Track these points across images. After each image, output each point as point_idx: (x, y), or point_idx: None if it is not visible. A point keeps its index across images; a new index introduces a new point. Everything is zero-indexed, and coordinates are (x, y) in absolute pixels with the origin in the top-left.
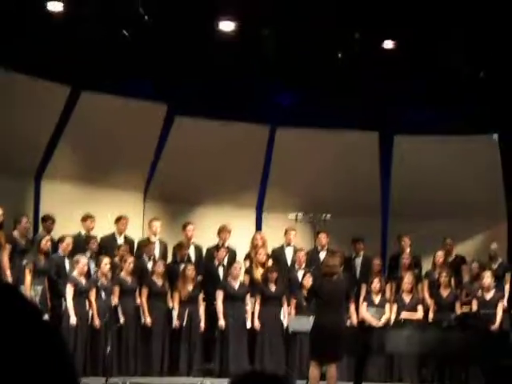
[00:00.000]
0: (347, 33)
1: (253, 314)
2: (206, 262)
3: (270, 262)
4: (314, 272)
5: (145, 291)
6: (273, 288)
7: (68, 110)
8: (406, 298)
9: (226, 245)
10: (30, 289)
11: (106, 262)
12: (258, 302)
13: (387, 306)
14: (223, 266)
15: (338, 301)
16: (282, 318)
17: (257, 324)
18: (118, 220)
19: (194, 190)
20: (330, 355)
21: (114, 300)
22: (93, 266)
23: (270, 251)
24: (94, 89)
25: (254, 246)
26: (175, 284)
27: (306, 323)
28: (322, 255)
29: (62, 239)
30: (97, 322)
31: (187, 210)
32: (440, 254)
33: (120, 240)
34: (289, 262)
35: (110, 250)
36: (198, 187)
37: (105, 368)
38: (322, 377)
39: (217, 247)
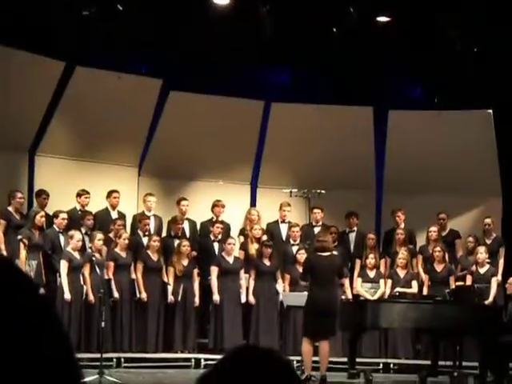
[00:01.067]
0: (342, 7)
1: (247, 289)
2: (200, 237)
3: (265, 238)
4: (308, 247)
5: (140, 266)
6: (267, 263)
7: (62, 85)
8: (401, 273)
9: (220, 220)
10: (25, 264)
11: (99, 237)
12: (253, 277)
13: (382, 281)
14: (218, 241)
15: (331, 276)
16: (276, 293)
17: (252, 299)
18: (110, 194)
19: (189, 165)
20: (323, 331)
21: (109, 275)
22: (88, 241)
23: (264, 226)
24: (89, 64)
25: (249, 221)
26: (170, 259)
27: (301, 298)
28: (317, 230)
29: (56, 214)
30: (91, 297)
31: (181, 185)
32: (433, 229)
33: (114, 215)
34: (283, 238)
35: (104, 224)
36: (192, 162)
37: (99, 343)
38: (316, 352)
39: (211, 222)
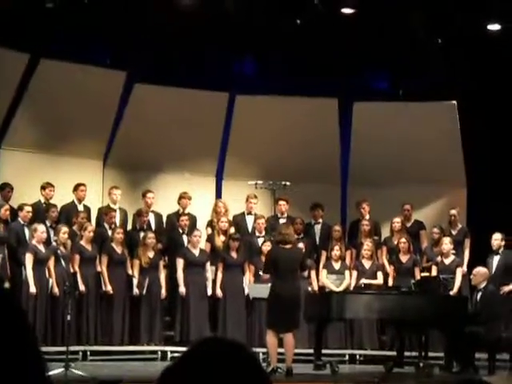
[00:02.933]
0: None
1: (214, 281)
2: (168, 230)
3: (232, 230)
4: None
5: (105, 259)
6: (235, 256)
7: (27, 77)
8: (366, 265)
9: (187, 212)
10: None
11: (64, 230)
12: (220, 269)
13: (347, 272)
14: (186, 233)
15: (293, 269)
16: (243, 285)
17: (219, 292)
18: (77, 187)
19: (154, 157)
20: (286, 324)
21: (74, 268)
22: (53, 234)
23: (231, 218)
24: (53, 56)
25: (215, 214)
26: (135, 252)
27: (266, 290)
28: (282, 222)
29: (21, 207)
30: (56, 290)
31: (147, 178)
32: (397, 220)
33: (80, 208)
34: (249, 229)
35: (71, 218)
36: (157, 155)
37: (65, 336)
38: (281, 344)
39: (177, 214)
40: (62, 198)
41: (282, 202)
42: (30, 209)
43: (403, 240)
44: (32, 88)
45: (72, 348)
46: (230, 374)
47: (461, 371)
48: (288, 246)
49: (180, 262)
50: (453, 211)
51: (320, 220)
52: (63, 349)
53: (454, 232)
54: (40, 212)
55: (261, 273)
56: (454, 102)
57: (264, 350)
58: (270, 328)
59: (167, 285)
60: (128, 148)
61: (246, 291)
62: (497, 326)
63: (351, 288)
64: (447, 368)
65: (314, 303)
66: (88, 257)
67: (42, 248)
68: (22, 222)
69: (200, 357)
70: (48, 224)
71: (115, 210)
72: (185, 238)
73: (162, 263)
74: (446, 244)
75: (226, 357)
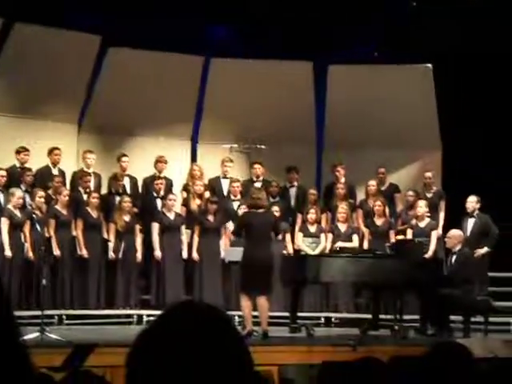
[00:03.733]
0: None
1: (190, 245)
2: (143, 193)
3: (207, 194)
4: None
5: (80, 223)
6: (211, 219)
7: (1, 42)
8: (342, 228)
9: (163, 176)
10: None
11: (40, 194)
12: (197, 233)
13: (323, 235)
14: (161, 197)
15: (266, 233)
16: (220, 249)
17: (195, 255)
18: (51, 151)
19: (129, 121)
20: (259, 288)
21: (49, 232)
22: (28, 198)
23: (206, 182)
24: (28, 20)
25: (191, 177)
26: (111, 216)
27: (241, 254)
28: (257, 186)
29: None
30: (30, 254)
31: (121, 142)
32: (372, 183)
33: (55, 172)
34: (225, 193)
35: (45, 182)
36: (132, 119)
37: (40, 301)
38: (256, 307)
39: (153, 178)
40: (37, 162)
41: (257, 166)
42: (4, 173)
43: (378, 203)
44: (6, 52)
45: (47, 312)
46: (205, 337)
47: (436, 334)
48: (260, 211)
49: (155, 226)
50: (427, 174)
51: (295, 183)
52: (38, 313)
53: (428, 195)
54: (15, 176)
55: (231, 235)
56: (430, 64)
57: (240, 313)
58: (243, 292)
59: (143, 249)
60: (103, 112)
61: (222, 255)
62: (471, 289)
63: (327, 251)
64: (422, 331)
65: (290, 266)
66: (63, 221)
67: (17, 213)
68: None
69: (175, 320)
70: (23, 188)
71: (90, 174)
72: (159, 201)
73: (138, 227)
74: (421, 207)
75: (201, 320)
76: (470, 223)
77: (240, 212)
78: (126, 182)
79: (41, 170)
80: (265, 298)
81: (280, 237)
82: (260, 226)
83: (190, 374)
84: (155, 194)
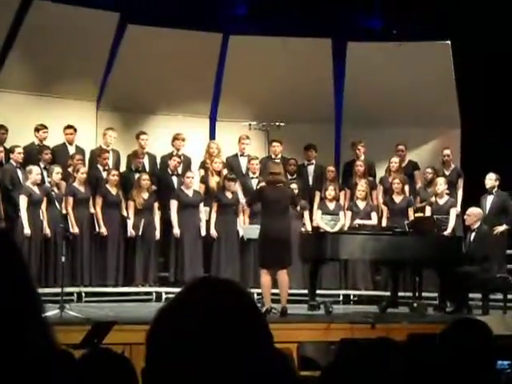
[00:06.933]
0: None
1: (208, 222)
2: (160, 171)
3: (225, 171)
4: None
5: (99, 200)
6: (230, 196)
7: (19, 19)
8: (360, 205)
9: (180, 153)
10: None
11: (57, 171)
12: (215, 210)
13: (341, 213)
14: (177, 175)
15: (282, 207)
16: (238, 226)
17: (213, 232)
18: (64, 130)
19: (148, 99)
20: (279, 261)
21: (67, 209)
22: (46, 175)
23: (224, 160)
24: None
25: (209, 155)
26: (130, 193)
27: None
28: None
29: (12, 149)
30: (48, 231)
31: (140, 119)
32: (395, 160)
33: (71, 149)
34: (243, 171)
35: (61, 159)
36: (151, 96)
37: (59, 278)
38: (275, 284)
39: (171, 155)
40: (55, 140)
41: (275, 144)
42: (21, 150)
43: (396, 181)
44: (25, 29)
45: (66, 289)
46: (225, 313)
47: (454, 311)
48: (278, 185)
49: (174, 204)
50: (446, 151)
51: (313, 161)
52: (58, 290)
53: (447, 172)
54: (33, 154)
55: (244, 202)
56: (448, 41)
57: (258, 290)
58: (262, 266)
59: (161, 226)
60: (121, 90)
61: (241, 233)
62: (490, 266)
63: (345, 229)
64: (441, 308)
65: (309, 244)
66: (81, 198)
67: (36, 190)
68: (14, 164)
69: (194, 297)
70: (42, 166)
71: (108, 152)
72: (174, 179)
73: (156, 205)
74: (441, 184)
75: (221, 296)
76: (489, 201)
77: None
78: (145, 159)
79: (57, 147)
80: (285, 273)
81: (298, 208)
82: (278, 201)
83: (210, 349)
84: (170, 172)
